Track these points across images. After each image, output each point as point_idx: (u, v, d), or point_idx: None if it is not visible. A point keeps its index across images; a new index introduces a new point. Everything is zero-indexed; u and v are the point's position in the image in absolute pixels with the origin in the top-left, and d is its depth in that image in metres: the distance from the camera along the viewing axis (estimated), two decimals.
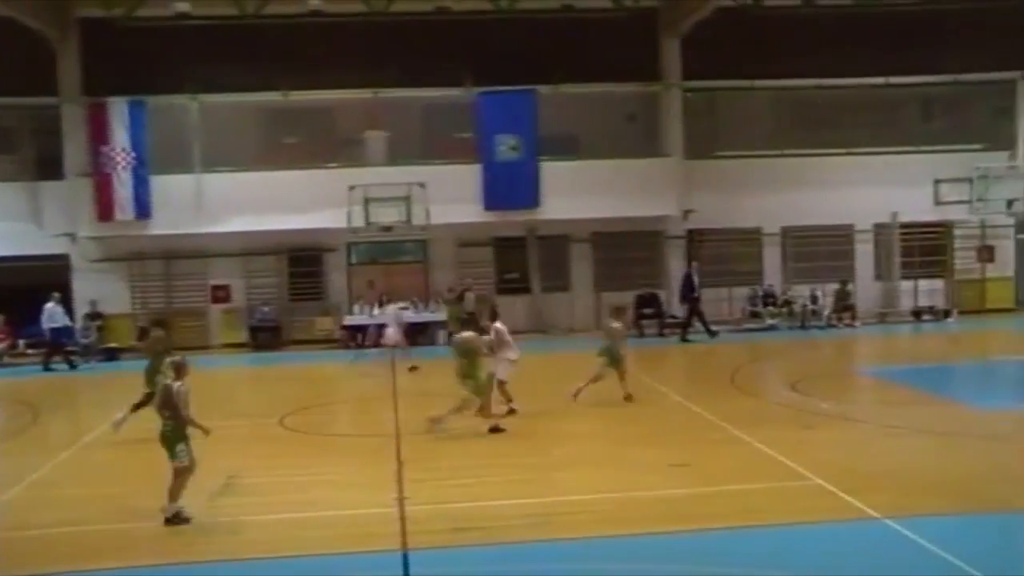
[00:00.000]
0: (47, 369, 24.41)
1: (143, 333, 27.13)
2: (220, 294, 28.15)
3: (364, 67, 27.27)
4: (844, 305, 28.26)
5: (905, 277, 29.62)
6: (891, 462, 12.26)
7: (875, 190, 28.70)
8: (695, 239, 29.24)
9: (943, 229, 29.96)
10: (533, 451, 13.57)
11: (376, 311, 27.25)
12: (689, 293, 26.50)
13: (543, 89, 27.49)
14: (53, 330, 24.78)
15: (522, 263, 28.80)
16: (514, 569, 8.85)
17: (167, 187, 26.66)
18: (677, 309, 28.01)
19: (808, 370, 20.33)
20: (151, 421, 16.84)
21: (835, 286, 28.71)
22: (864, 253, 29.94)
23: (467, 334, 15.20)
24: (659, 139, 29.06)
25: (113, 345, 26.33)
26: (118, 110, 26.54)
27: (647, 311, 27.95)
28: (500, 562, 8.97)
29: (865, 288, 29.44)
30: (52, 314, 24.78)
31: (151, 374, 13.93)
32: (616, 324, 16.76)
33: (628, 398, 16.43)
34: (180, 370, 10.69)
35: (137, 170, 26.53)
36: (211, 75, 26.94)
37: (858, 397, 17.34)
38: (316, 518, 10.51)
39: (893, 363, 22.06)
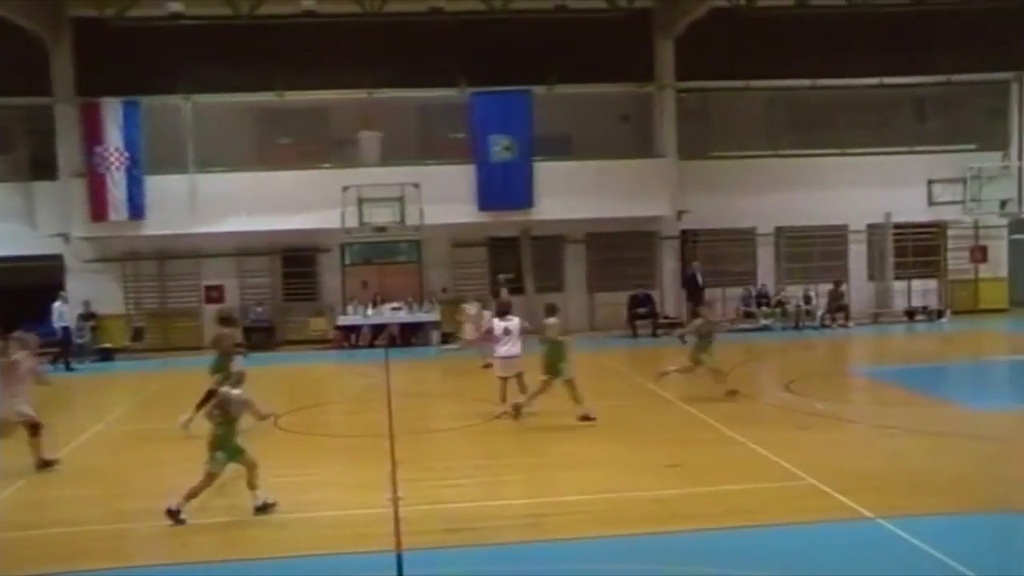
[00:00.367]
0: (70, 369, 24.36)
1: (137, 333, 27.26)
2: (214, 294, 28.12)
3: (358, 67, 27.25)
4: (838, 305, 28.32)
5: (898, 277, 29.70)
6: (884, 462, 12.28)
7: (869, 190, 28.77)
8: (689, 240, 29.29)
9: (936, 229, 30.04)
10: (527, 451, 13.57)
11: (370, 311, 27.30)
12: (692, 293, 26.50)
13: (537, 89, 27.51)
14: (64, 329, 24.74)
15: (516, 263, 28.81)
16: (508, 570, 8.85)
17: (161, 187, 26.64)
18: (671, 309, 28.04)
19: (802, 370, 20.37)
20: (146, 421, 16.87)
21: (829, 286, 28.79)
22: (858, 253, 30.02)
23: (550, 320, 15.58)
24: (653, 140, 29.09)
25: (107, 345, 26.30)
26: (112, 110, 26.52)
27: (641, 311, 27.97)
28: (494, 563, 8.97)
29: (859, 288, 29.51)
30: (62, 313, 24.75)
31: (217, 369, 13.91)
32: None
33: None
34: (241, 380, 11.15)
35: (131, 170, 26.51)
36: (205, 75, 26.92)
37: (852, 397, 17.37)
38: (310, 518, 10.51)
39: (886, 363, 22.10)
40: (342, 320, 27.34)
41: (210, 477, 10.52)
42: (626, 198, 27.23)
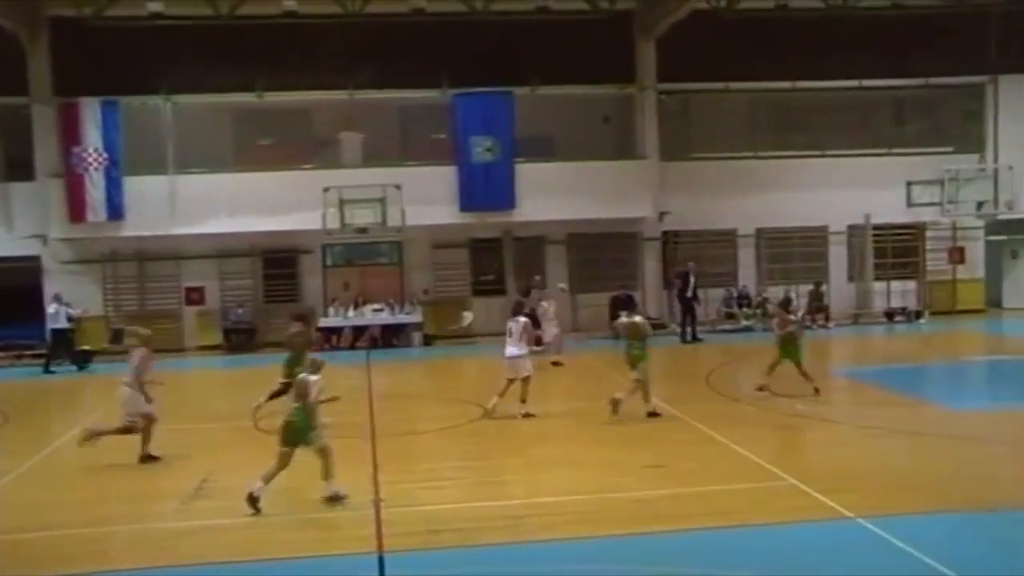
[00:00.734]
0: (81, 368, 24.15)
1: (116, 335, 27.02)
2: (194, 296, 28.01)
3: (339, 68, 27.19)
4: (818, 306, 28.45)
5: (878, 278, 29.86)
6: (864, 462, 12.35)
7: (848, 192, 28.93)
8: (670, 241, 29.37)
9: (915, 231, 30.24)
10: (508, 452, 13.58)
11: (352, 313, 27.25)
12: (685, 292, 26.58)
13: (519, 91, 27.54)
14: (58, 331, 24.51)
15: (498, 264, 28.81)
16: (490, 571, 8.85)
17: (140, 188, 26.50)
18: (653, 310, 28.09)
19: (782, 371, 20.40)
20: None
21: (809, 287, 28.93)
22: (838, 254, 30.17)
23: (636, 318, 15.99)
24: (634, 141, 29.16)
25: (86, 348, 26.08)
26: (90, 110, 26.35)
27: (622, 313, 27.91)
28: (476, 564, 8.97)
29: (838, 289, 29.67)
30: (58, 314, 24.50)
31: (291, 366, 13.98)
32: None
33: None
34: (318, 368, 11.46)
35: (110, 171, 26.35)
36: (185, 75, 26.83)
37: (832, 398, 17.41)
38: (291, 520, 10.48)
39: (866, 364, 22.20)
40: (323, 322, 27.26)
41: (326, 451, 10.90)
42: (608, 199, 27.28)
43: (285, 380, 13.92)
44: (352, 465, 12.70)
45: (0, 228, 26.95)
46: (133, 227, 26.61)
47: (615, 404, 15.07)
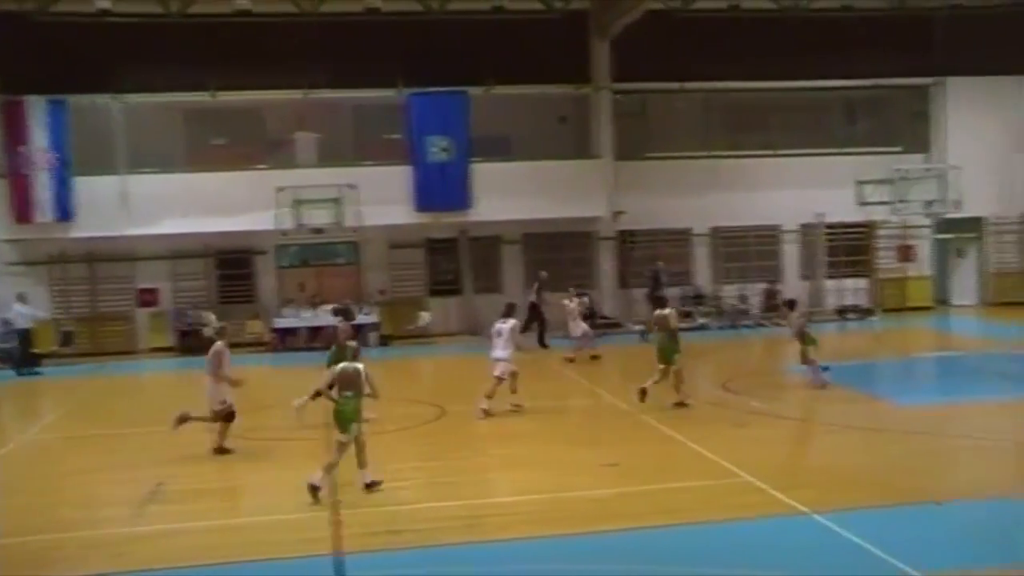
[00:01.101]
0: (24, 374, 23.68)
1: (66, 338, 26.66)
2: (147, 297, 27.68)
3: (293, 67, 26.99)
4: (772, 304, 28.74)
5: (830, 276, 30.21)
6: (818, 458, 12.51)
7: (801, 191, 29.23)
8: (626, 240, 29.49)
9: (866, 229, 30.62)
10: (467, 452, 13.59)
11: (308, 313, 27.08)
12: (656, 291, 26.70)
13: (474, 91, 27.53)
14: (22, 331, 24.05)
15: (454, 264, 28.79)
16: (449, 571, 8.87)
17: (90, 188, 26.13)
18: (609, 309, 28.20)
19: (738, 369, 20.65)
20: (77, 428, 16.56)
21: (763, 286, 29.21)
22: (791, 253, 30.48)
23: (666, 311, 16.61)
24: (590, 141, 29.27)
25: (35, 351, 25.64)
26: (36, 109, 25.91)
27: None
28: (435, 564, 8.97)
29: (792, 287, 29.91)
30: (21, 315, 24.01)
31: (335, 360, 13.83)
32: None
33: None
34: (357, 354, 12.08)
35: (58, 171, 25.95)
36: (135, 74, 26.53)
37: (787, 395, 17.62)
38: (248, 523, 10.41)
39: (820, 361, 22.40)
40: (278, 323, 27.07)
41: (344, 446, 11.18)
42: (563, 199, 27.37)
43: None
44: (308, 466, 12.63)
45: None
46: (83, 228, 26.23)
47: (643, 393, 15.73)
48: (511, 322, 16.43)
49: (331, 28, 27.17)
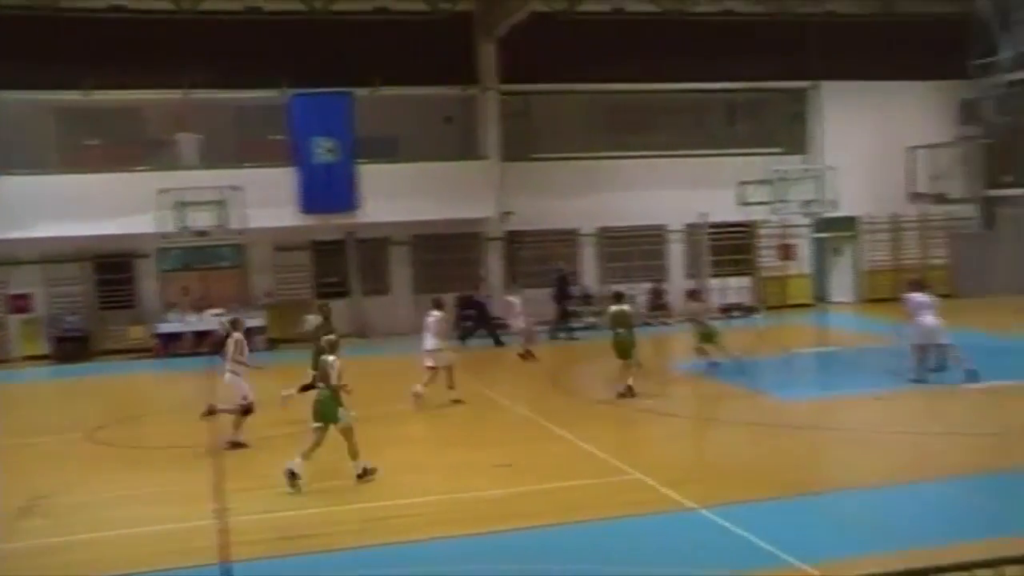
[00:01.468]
0: None
1: None
2: (20, 303, 26.60)
3: (173, 66, 26.22)
4: (658, 303, 29.22)
5: (715, 275, 30.84)
6: (705, 454, 12.80)
7: (685, 192, 29.77)
8: (514, 241, 29.63)
9: (748, 229, 31.37)
10: (361, 456, 13.42)
11: (192, 318, 26.45)
12: (563, 292, 26.85)
13: (360, 91, 27.27)
14: None
15: (342, 267, 28.50)
16: (343, 575, 8.78)
17: None
18: (498, 310, 28.25)
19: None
20: None
21: (649, 285, 29.69)
22: (676, 252, 31.04)
23: (623, 306, 17.13)
24: (477, 142, 29.31)
25: None
26: None
27: (469, 312, 28.02)
28: (329, 569, 8.89)
29: (678, 286, 30.47)
30: None
31: (317, 357, 13.96)
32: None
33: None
34: (333, 346, 12.46)
35: None
36: (3, 70, 25.41)
37: (674, 392, 17.93)
38: (132, 535, 10.11)
39: (705, 358, 22.88)
40: (162, 327, 26.37)
41: (350, 431, 11.82)
42: (451, 200, 27.33)
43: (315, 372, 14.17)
44: (195, 474, 12.36)
45: None
46: None
47: (630, 390, 16.34)
48: (436, 314, 17.11)
49: (212, 27, 26.56)
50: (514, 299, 23.68)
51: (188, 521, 10.36)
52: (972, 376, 16.39)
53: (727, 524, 9.53)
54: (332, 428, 11.82)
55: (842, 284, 32.18)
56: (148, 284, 27.59)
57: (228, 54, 26.63)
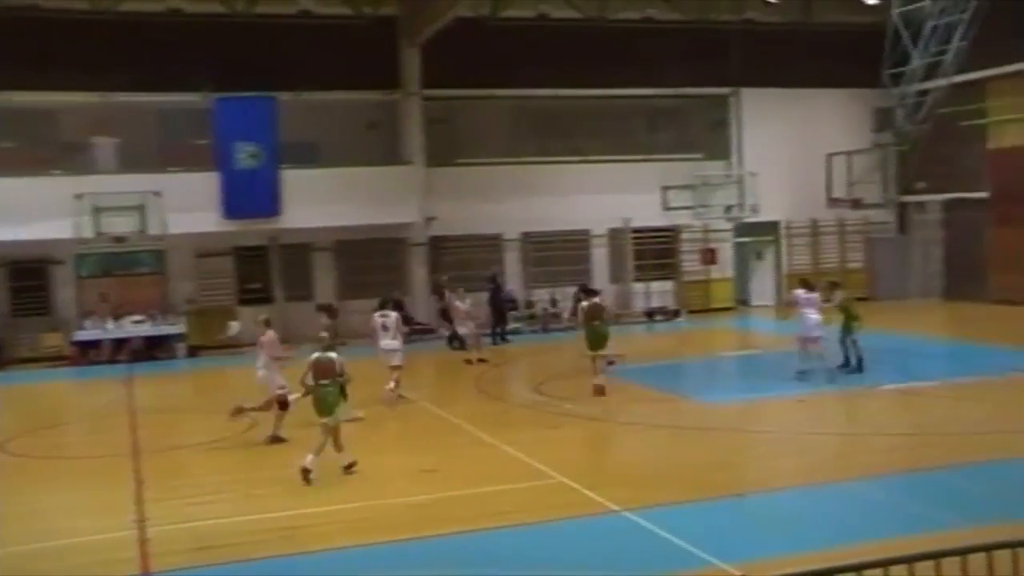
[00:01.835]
0: None
1: None
2: None
3: (90, 68, 25.68)
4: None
5: (638, 279, 31.15)
6: (628, 457, 12.93)
7: (609, 197, 29.98)
8: (438, 246, 29.58)
9: (671, 234, 31.75)
10: (280, 464, 13.25)
11: (110, 325, 25.91)
12: (498, 296, 26.84)
13: (283, 96, 26.99)
14: None
15: (265, 272, 28.18)
16: None
17: None
18: (422, 316, 28.20)
19: (550, 372, 21.03)
20: None
21: (573, 289, 29.82)
22: (600, 257, 31.26)
23: (597, 299, 17.79)
24: (400, 147, 29.21)
25: None
26: None
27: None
28: None
29: (602, 291, 30.69)
30: None
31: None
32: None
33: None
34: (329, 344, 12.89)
35: None
36: None
37: (598, 397, 18.06)
38: (47, 549, 9.87)
39: (628, 362, 23.12)
40: (79, 335, 25.78)
41: (337, 429, 12.15)
42: (374, 205, 27.18)
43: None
44: (113, 485, 12.14)
45: None
46: None
47: (600, 390, 16.79)
48: (393, 315, 17.42)
49: (131, 28, 26.06)
50: (460, 304, 23.65)
51: (105, 532, 10.17)
52: (801, 376, 17.55)
53: (651, 526, 9.65)
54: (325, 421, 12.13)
55: (764, 288, 32.70)
56: (65, 291, 26.91)
57: (149, 56, 26.14)
